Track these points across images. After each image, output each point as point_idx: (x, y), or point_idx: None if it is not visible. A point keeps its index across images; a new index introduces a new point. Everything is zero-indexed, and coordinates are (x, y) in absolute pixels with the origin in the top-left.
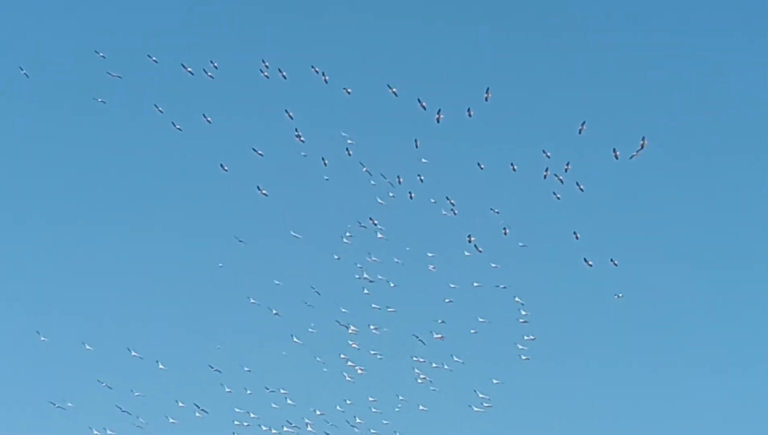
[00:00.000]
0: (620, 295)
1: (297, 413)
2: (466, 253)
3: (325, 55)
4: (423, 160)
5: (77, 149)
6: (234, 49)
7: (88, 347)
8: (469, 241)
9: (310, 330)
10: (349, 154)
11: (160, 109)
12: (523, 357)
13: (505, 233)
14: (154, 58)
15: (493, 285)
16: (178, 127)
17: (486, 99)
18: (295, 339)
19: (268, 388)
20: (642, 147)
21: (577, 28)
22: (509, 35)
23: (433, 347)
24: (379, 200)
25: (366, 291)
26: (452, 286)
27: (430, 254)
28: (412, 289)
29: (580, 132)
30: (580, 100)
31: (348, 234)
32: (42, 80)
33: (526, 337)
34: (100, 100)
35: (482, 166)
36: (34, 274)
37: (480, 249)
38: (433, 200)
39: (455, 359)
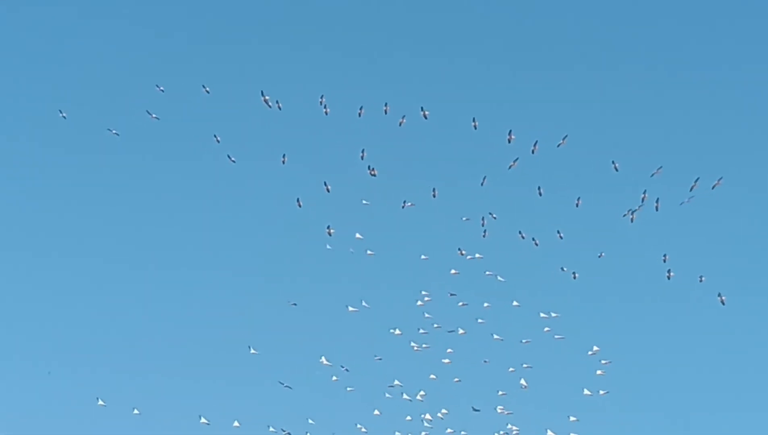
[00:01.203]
0: (724, 297)
1: None
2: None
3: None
4: (464, 219)
5: (140, 206)
6: (298, 83)
7: (135, 411)
8: (563, 270)
9: (342, 388)
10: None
11: (218, 139)
12: (601, 392)
13: (600, 256)
14: (207, 89)
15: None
16: (232, 159)
17: (559, 145)
18: (376, 411)
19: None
20: (716, 185)
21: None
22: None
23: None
24: (453, 271)
25: (447, 361)
26: (495, 337)
27: (486, 305)
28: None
29: (652, 175)
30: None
31: (424, 297)
32: (83, 116)
33: (598, 372)
34: (114, 132)
35: (541, 192)
36: (94, 339)
37: (576, 275)
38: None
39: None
